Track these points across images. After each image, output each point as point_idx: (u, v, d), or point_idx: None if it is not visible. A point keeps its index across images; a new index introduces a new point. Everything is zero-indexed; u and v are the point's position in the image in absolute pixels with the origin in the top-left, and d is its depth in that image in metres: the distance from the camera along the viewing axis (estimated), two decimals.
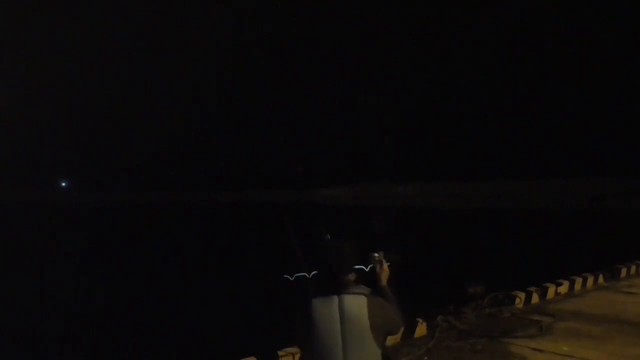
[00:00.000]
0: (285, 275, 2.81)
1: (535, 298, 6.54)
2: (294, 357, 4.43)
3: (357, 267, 2.88)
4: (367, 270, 3.06)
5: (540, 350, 4.71)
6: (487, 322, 5.63)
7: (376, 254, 3.12)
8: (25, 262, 17.51)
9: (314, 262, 2.89)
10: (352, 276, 2.78)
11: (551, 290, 6.86)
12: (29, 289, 12.55)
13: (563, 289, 7.04)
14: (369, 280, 2.97)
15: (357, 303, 2.66)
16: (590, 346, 4.79)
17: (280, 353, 4.45)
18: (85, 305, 10.87)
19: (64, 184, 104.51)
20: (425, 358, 4.64)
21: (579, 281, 7.37)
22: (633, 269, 8.49)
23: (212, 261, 17.15)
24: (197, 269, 15.31)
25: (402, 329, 2.99)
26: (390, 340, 4.90)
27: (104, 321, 9.39)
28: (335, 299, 2.67)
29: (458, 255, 15.48)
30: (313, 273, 2.95)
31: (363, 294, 2.70)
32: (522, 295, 6.47)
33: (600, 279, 7.78)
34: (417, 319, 5.33)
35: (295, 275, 3.79)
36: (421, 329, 5.26)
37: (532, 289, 6.68)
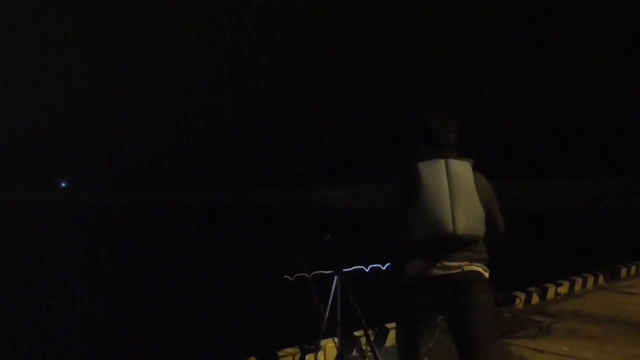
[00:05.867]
0: (285, 276, 2.81)
1: (535, 298, 6.53)
2: (294, 357, 4.42)
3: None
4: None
5: (540, 351, 4.71)
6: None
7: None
8: (25, 262, 17.51)
9: (416, 131, 2.88)
10: (455, 141, 2.80)
11: (551, 291, 6.86)
12: (29, 289, 12.54)
13: (563, 289, 7.04)
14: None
15: (463, 166, 2.71)
16: (590, 346, 4.79)
17: (280, 353, 4.45)
18: (85, 305, 10.87)
19: (64, 184, 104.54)
20: (425, 358, 4.63)
21: (579, 281, 7.37)
22: (633, 269, 8.49)
23: (212, 261, 17.14)
24: (197, 269, 15.30)
25: (501, 226, 2.85)
26: (391, 341, 4.90)
27: (104, 321, 9.39)
28: (442, 161, 2.69)
29: None
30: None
31: (468, 161, 2.75)
32: (522, 295, 6.47)
33: (600, 279, 7.77)
34: None
35: (296, 275, 3.80)
36: None
37: (532, 289, 6.67)
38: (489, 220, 2.75)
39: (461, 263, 2.63)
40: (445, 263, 2.62)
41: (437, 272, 2.62)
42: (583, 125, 50.07)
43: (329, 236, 3.74)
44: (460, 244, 2.62)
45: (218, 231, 30.71)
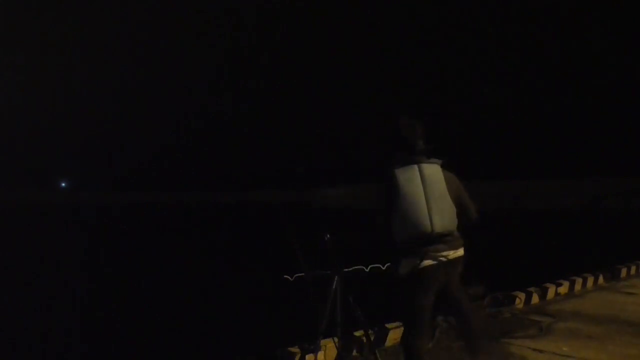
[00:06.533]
0: (285, 275, 2.82)
1: (535, 298, 6.53)
2: (294, 358, 4.42)
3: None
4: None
5: (540, 351, 4.71)
6: (487, 323, 5.62)
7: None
8: (25, 262, 17.50)
9: (389, 139, 3.27)
10: (424, 146, 3.16)
11: (551, 291, 6.85)
12: (29, 289, 12.54)
13: (563, 289, 7.03)
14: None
15: (434, 169, 3.14)
16: (590, 346, 4.79)
17: (280, 353, 4.44)
18: (85, 304, 10.87)
19: (64, 184, 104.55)
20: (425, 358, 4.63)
21: (579, 281, 7.36)
22: (633, 269, 8.48)
23: (212, 261, 17.14)
24: (197, 269, 15.30)
25: (473, 210, 3.30)
26: (391, 341, 4.90)
27: (104, 321, 9.39)
28: (415, 167, 3.10)
29: None
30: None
31: (437, 163, 3.18)
32: (522, 295, 6.46)
33: (600, 279, 7.76)
34: None
35: (295, 275, 3.80)
36: None
37: (532, 289, 6.66)
38: (462, 208, 3.22)
39: (447, 253, 3.10)
40: (432, 254, 3.06)
41: (427, 263, 3.05)
42: (583, 125, 50.07)
43: (328, 236, 3.74)
44: (440, 238, 3.07)
45: (218, 231, 30.70)
